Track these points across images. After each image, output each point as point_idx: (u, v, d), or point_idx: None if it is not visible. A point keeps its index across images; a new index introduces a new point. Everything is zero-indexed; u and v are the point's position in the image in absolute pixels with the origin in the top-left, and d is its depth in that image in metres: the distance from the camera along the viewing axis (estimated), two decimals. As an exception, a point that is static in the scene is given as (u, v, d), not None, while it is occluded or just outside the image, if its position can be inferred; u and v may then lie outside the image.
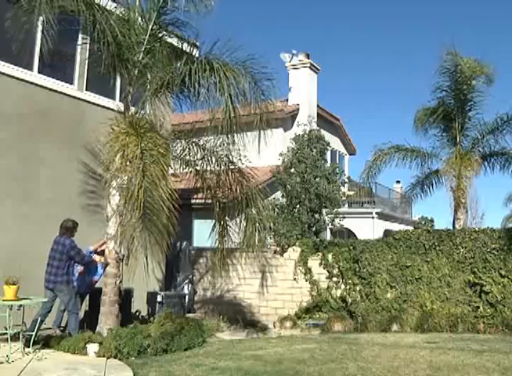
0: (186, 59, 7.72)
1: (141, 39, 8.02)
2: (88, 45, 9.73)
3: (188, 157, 9.47)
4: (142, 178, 6.50)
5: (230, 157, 9.00)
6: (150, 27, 8.09)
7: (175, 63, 8.01)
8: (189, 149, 9.47)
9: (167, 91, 8.23)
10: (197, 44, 8.33)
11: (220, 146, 8.85)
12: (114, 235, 7.68)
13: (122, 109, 8.30)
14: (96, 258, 7.97)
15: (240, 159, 9.09)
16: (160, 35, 8.25)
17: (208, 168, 9.40)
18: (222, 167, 9.22)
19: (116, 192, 7.68)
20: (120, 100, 10.44)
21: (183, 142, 9.52)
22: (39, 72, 8.95)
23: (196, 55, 8.16)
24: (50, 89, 9.11)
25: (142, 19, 8.17)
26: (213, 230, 9.51)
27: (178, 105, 8.75)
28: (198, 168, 9.43)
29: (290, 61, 18.69)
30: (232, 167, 9.21)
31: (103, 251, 8.00)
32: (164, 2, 8.06)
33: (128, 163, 6.87)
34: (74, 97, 9.57)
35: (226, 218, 9.48)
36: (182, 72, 7.58)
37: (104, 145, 7.57)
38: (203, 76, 7.44)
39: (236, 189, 9.07)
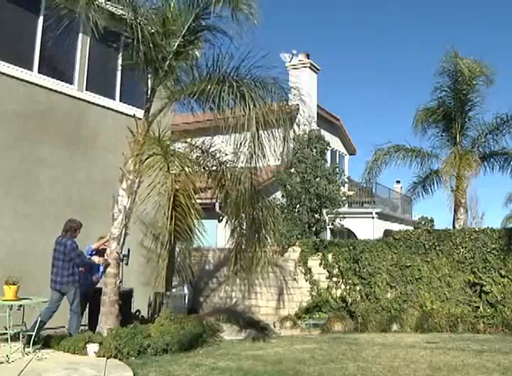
0: (218, 80, 7.46)
1: (174, 42, 7.82)
2: (88, 45, 9.75)
3: (203, 163, 9.16)
4: (173, 210, 6.42)
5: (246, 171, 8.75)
6: (186, 27, 7.81)
7: (207, 83, 7.58)
8: (204, 157, 9.18)
9: (195, 101, 8.02)
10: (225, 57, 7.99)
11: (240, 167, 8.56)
12: (118, 236, 7.70)
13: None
14: (95, 259, 7.95)
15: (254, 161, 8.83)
16: (193, 38, 8.02)
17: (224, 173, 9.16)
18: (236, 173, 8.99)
19: (125, 193, 7.69)
20: (120, 100, 10.47)
21: (200, 150, 9.14)
22: (39, 72, 8.94)
23: (226, 66, 7.78)
24: (50, 89, 9.10)
25: (180, 16, 7.87)
26: (216, 231, 9.42)
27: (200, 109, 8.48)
28: (213, 173, 9.09)
29: (290, 61, 18.68)
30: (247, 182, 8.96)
31: (104, 250, 8.00)
32: (204, 4, 7.73)
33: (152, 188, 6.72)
34: (74, 97, 9.56)
35: (227, 219, 9.36)
36: (213, 91, 7.36)
37: (127, 159, 7.59)
38: (234, 101, 7.26)
39: (250, 193, 8.83)
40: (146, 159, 7.01)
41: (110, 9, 7.45)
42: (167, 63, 7.84)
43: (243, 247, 9.02)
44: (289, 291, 12.17)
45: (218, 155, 9.09)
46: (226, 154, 8.55)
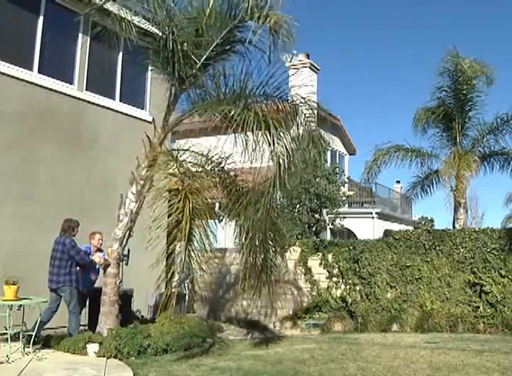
0: (244, 106, 7.28)
1: (204, 52, 7.62)
2: (88, 46, 9.76)
3: (216, 176, 8.75)
4: (188, 244, 6.47)
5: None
6: (219, 37, 7.53)
7: (231, 107, 7.35)
8: (219, 173, 8.74)
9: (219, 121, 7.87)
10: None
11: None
12: (121, 238, 7.71)
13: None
14: (96, 258, 7.96)
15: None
16: (224, 49, 7.82)
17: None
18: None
19: (133, 197, 7.68)
20: (120, 100, 10.48)
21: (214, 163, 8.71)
22: (39, 72, 8.95)
23: (251, 85, 7.66)
24: (50, 89, 9.10)
25: (214, 26, 7.58)
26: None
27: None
28: (228, 188, 8.75)
29: (290, 61, 18.65)
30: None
31: (100, 250, 8.03)
32: (241, 18, 7.34)
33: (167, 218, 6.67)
34: (74, 97, 9.57)
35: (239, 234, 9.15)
36: (238, 116, 7.17)
37: (140, 164, 7.59)
38: (258, 128, 7.13)
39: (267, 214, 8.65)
40: (162, 180, 6.97)
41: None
42: (194, 72, 7.69)
43: (253, 263, 8.89)
44: (289, 291, 12.15)
45: (232, 171, 8.77)
46: (243, 168, 8.45)
